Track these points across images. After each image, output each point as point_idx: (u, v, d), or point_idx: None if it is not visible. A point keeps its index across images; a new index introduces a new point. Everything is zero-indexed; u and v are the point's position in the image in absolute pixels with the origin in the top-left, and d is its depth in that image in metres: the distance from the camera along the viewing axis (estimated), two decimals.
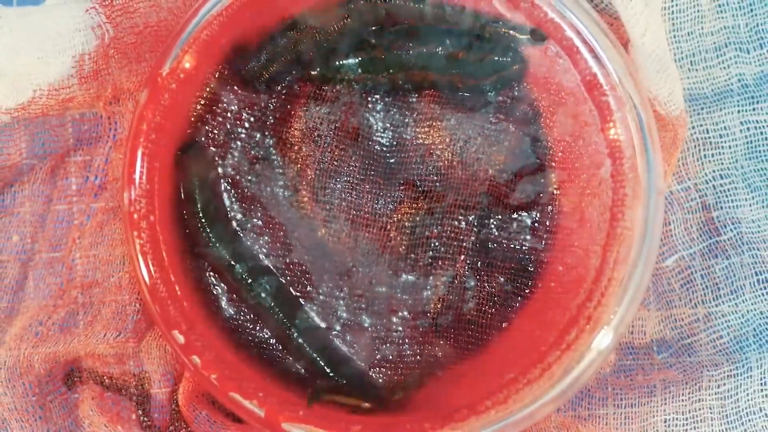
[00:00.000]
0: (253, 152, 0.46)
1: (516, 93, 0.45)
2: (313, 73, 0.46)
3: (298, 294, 0.46)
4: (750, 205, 0.46)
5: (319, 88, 0.46)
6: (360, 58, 0.45)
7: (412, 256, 0.46)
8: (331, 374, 0.45)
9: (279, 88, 0.46)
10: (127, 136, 0.43)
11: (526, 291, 0.46)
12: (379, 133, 0.46)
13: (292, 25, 0.45)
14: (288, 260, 0.46)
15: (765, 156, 0.46)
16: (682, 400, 0.45)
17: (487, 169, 0.46)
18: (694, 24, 0.46)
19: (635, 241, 0.42)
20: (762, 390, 0.45)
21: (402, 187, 0.46)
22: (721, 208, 0.46)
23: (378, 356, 0.46)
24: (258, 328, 0.45)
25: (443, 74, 0.45)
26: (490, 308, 0.46)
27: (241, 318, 0.45)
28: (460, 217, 0.46)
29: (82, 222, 0.47)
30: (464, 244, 0.46)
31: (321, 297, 0.46)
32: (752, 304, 0.46)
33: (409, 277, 0.46)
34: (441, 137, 0.46)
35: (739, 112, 0.46)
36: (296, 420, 0.42)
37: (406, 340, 0.46)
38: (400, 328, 0.46)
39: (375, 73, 0.45)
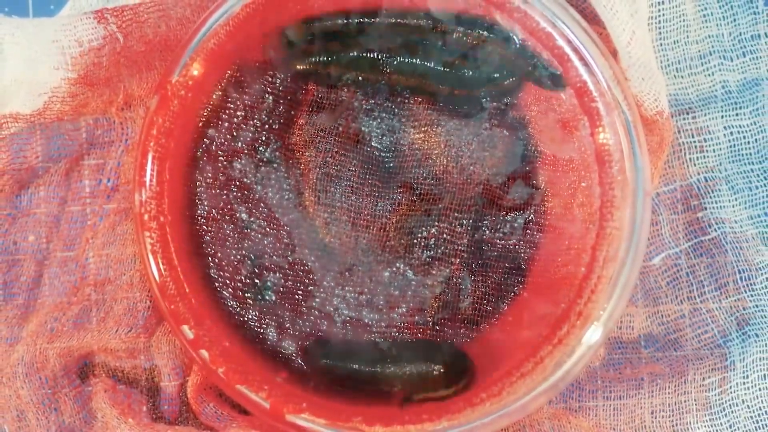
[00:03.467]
0: (258, 156, 0.46)
1: (509, 100, 0.46)
2: (315, 80, 0.46)
3: (300, 291, 0.46)
4: (733, 207, 0.46)
5: (321, 95, 0.46)
6: (360, 66, 0.45)
7: (410, 255, 0.46)
8: (331, 369, 0.45)
9: (283, 94, 0.46)
10: (138, 140, 0.43)
11: (519, 289, 0.46)
12: (377, 139, 0.46)
13: (296, 35, 0.45)
14: (291, 259, 0.46)
15: (747, 159, 0.46)
16: (669, 393, 0.45)
17: (481, 173, 0.46)
18: (679, 33, 0.46)
19: (623, 240, 0.42)
20: (744, 383, 0.45)
21: (400, 190, 0.46)
22: (706, 208, 0.46)
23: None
24: (263, 324, 0.46)
25: (440, 82, 0.45)
26: (484, 305, 0.46)
27: (247, 314, 0.46)
28: (456, 219, 0.46)
29: (95, 222, 0.47)
30: (460, 244, 0.46)
31: (323, 294, 0.46)
32: (735, 300, 0.46)
33: (408, 275, 0.46)
34: (437, 142, 0.46)
35: (722, 117, 0.46)
36: (300, 411, 0.42)
37: (405, 335, 0.46)
38: (399, 324, 0.46)
39: (374, 80, 0.45)
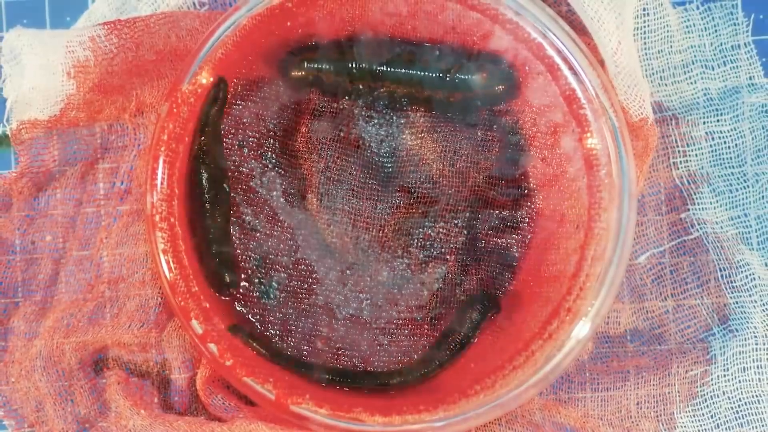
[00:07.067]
0: (263, 161, 0.46)
1: (502, 106, 0.46)
2: (315, 89, 0.46)
3: (304, 289, 0.46)
4: (714, 208, 0.46)
5: (322, 104, 0.46)
6: (359, 76, 0.45)
7: (408, 255, 0.46)
8: (332, 361, 0.46)
9: (286, 102, 0.46)
10: (150, 145, 0.43)
11: (512, 285, 0.46)
12: (376, 145, 0.46)
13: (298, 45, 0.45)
14: (294, 258, 0.46)
15: (728, 163, 0.46)
16: (653, 385, 0.46)
17: (475, 176, 0.46)
18: (663, 43, 0.46)
19: (611, 240, 0.42)
20: (725, 375, 0.45)
21: (398, 194, 0.46)
22: (689, 210, 0.47)
23: (378, 345, 0.46)
24: (267, 319, 0.46)
25: (436, 89, 0.45)
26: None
27: (253, 310, 0.46)
28: (451, 220, 0.47)
29: (109, 223, 0.47)
30: (455, 243, 0.47)
31: (325, 292, 0.46)
32: (716, 297, 0.46)
33: (406, 273, 0.47)
34: (433, 147, 0.46)
35: (704, 123, 0.46)
36: (303, 402, 0.42)
37: (404, 331, 0.46)
38: (398, 320, 0.46)
39: (373, 89, 0.45)
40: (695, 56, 0.46)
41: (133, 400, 0.46)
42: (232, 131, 0.46)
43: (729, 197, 0.46)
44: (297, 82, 0.45)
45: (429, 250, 0.47)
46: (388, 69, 0.45)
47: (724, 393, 0.45)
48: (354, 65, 0.45)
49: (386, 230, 0.47)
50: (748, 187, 0.47)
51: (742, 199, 0.46)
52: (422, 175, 0.46)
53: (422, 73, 0.45)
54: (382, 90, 0.45)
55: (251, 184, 0.46)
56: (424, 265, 0.47)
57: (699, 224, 0.47)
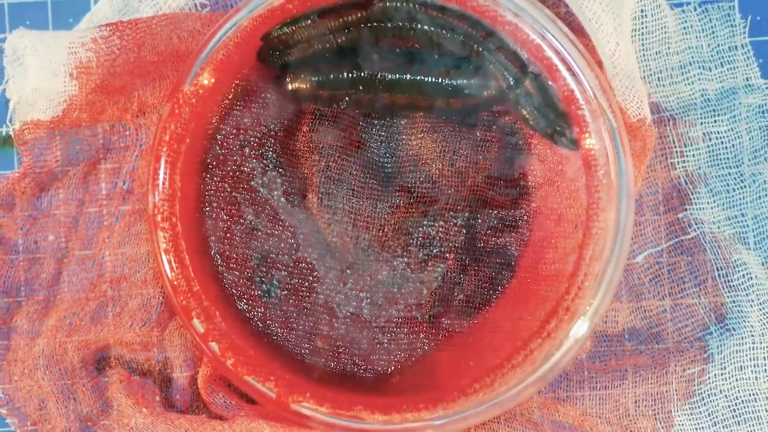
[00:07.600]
0: (264, 161, 0.46)
1: (501, 106, 0.46)
2: (313, 100, 0.46)
3: (304, 288, 0.47)
4: (711, 208, 0.46)
5: (323, 105, 0.46)
6: (357, 84, 0.45)
7: (408, 254, 0.47)
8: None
9: (287, 103, 0.46)
10: (152, 145, 0.43)
11: (510, 285, 0.46)
12: (376, 145, 0.46)
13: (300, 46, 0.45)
14: (295, 258, 0.46)
15: (725, 163, 0.46)
16: (651, 383, 0.46)
17: (474, 176, 0.46)
18: (661, 44, 0.46)
19: (609, 239, 0.42)
20: (722, 374, 0.45)
21: (398, 193, 0.46)
22: (686, 210, 0.47)
23: (377, 344, 0.46)
24: (268, 318, 0.46)
25: (435, 94, 0.44)
26: (478, 300, 0.46)
27: (254, 309, 0.46)
28: (451, 219, 0.47)
29: (111, 223, 0.47)
30: (454, 243, 0.47)
31: (325, 291, 0.47)
32: (713, 296, 0.47)
33: (405, 272, 0.47)
34: (433, 148, 0.46)
35: (701, 123, 0.46)
36: (303, 400, 0.42)
37: (403, 329, 0.47)
38: (398, 319, 0.47)
39: (374, 90, 0.45)
40: (693, 57, 0.47)
41: (135, 398, 0.46)
42: (233, 131, 0.46)
43: (726, 197, 0.47)
44: (295, 94, 0.45)
45: (428, 249, 0.47)
46: (386, 76, 0.44)
47: (721, 391, 0.45)
48: (353, 71, 0.44)
49: (386, 229, 0.47)
50: (745, 187, 0.47)
51: (739, 199, 0.47)
52: (422, 175, 0.47)
53: (422, 78, 0.44)
54: (382, 91, 0.45)
55: (252, 183, 0.46)
56: (423, 264, 0.47)
57: (696, 224, 0.47)
